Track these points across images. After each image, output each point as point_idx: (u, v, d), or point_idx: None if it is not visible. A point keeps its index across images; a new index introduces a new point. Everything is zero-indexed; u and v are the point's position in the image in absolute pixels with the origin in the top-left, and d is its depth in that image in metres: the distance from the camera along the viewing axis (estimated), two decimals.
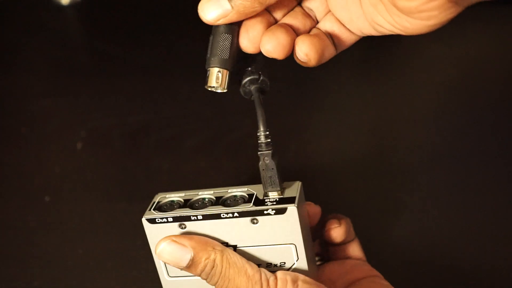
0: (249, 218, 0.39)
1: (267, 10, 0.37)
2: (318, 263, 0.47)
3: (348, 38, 0.38)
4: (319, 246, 0.47)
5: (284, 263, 0.40)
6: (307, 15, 0.39)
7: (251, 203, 0.39)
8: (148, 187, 0.67)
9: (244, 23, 0.37)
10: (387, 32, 0.36)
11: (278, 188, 0.39)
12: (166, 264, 0.41)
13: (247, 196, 0.40)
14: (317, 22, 0.39)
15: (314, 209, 0.44)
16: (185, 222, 0.40)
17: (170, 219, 0.40)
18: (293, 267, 0.40)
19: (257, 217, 0.38)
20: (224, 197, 0.40)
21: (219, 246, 0.39)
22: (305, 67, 0.38)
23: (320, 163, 0.68)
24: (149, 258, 0.57)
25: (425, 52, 0.89)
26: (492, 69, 0.84)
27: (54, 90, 0.91)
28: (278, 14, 0.38)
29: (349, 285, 0.44)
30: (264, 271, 0.38)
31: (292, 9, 0.39)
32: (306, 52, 0.36)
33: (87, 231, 0.62)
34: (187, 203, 0.41)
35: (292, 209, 0.38)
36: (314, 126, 0.76)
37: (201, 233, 0.40)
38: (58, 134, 0.80)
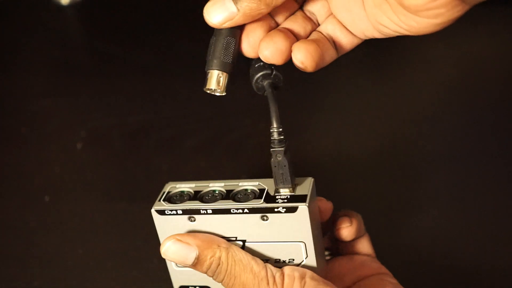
0: (259, 215, 0.38)
1: (269, 14, 0.37)
2: (327, 257, 0.47)
3: (350, 41, 0.38)
4: (328, 240, 0.47)
5: (293, 259, 0.40)
6: (308, 18, 0.38)
7: (262, 199, 0.39)
8: (148, 187, 0.67)
9: (244, 27, 0.37)
10: (391, 33, 0.36)
11: (290, 185, 0.38)
12: None
13: (258, 191, 0.40)
14: (318, 25, 0.39)
15: (326, 205, 0.43)
16: (194, 215, 0.40)
17: (179, 212, 0.40)
18: (302, 264, 0.40)
19: (267, 214, 0.38)
20: (234, 191, 0.40)
21: (225, 244, 0.39)
22: None
23: (320, 163, 0.68)
24: (149, 258, 0.57)
25: (425, 52, 0.89)
26: (492, 69, 0.84)
27: (54, 90, 0.91)
28: (279, 18, 0.38)
29: (357, 281, 0.44)
30: (270, 267, 0.38)
31: (293, 13, 0.38)
32: (302, 60, 0.36)
33: (87, 231, 0.62)
34: (197, 195, 0.41)
35: (303, 208, 0.37)
36: (314, 126, 0.76)
37: (210, 226, 0.40)
38: (58, 134, 0.80)
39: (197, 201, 0.40)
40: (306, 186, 0.39)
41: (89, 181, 0.70)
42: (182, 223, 0.40)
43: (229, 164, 0.71)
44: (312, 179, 0.40)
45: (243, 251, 0.39)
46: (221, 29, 0.36)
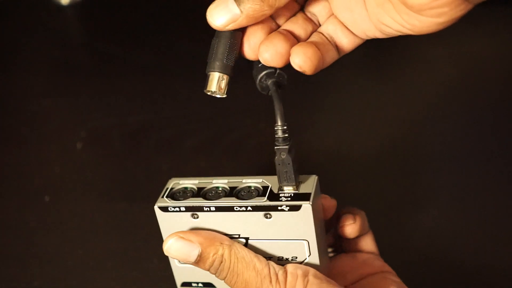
0: (262, 213, 0.38)
1: (270, 15, 0.37)
2: (330, 254, 0.47)
3: (351, 41, 0.38)
4: (331, 237, 0.47)
5: (296, 257, 0.40)
6: (309, 19, 0.38)
7: (265, 197, 0.38)
8: (148, 187, 0.67)
9: (246, 29, 0.37)
10: (393, 33, 0.35)
11: (294, 183, 0.38)
12: None
13: (261, 188, 0.39)
14: (319, 25, 0.39)
15: (330, 203, 0.43)
16: (197, 213, 0.39)
17: (182, 209, 0.40)
18: (305, 262, 0.40)
19: (270, 212, 0.38)
20: (238, 188, 0.40)
21: (227, 241, 0.39)
22: None
23: (319, 163, 0.68)
24: (149, 258, 0.57)
25: (425, 52, 0.89)
26: (492, 69, 0.84)
27: (54, 90, 0.91)
28: (280, 19, 0.38)
29: (360, 279, 0.44)
30: (272, 264, 0.38)
31: (294, 14, 0.38)
32: (300, 64, 0.36)
33: (87, 231, 0.62)
34: (200, 192, 0.40)
35: (306, 206, 0.37)
36: (314, 126, 0.76)
37: (213, 223, 0.40)
38: (58, 134, 0.80)
39: (200, 198, 0.40)
40: (310, 184, 0.39)
41: (89, 181, 0.70)
42: (185, 220, 0.40)
43: (229, 164, 0.71)
44: (316, 177, 0.40)
45: (246, 248, 0.39)
46: (223, 31, 0.36)
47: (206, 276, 0.42)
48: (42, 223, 0.64)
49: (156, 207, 0.40)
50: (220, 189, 0.40)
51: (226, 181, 0.41)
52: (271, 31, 0.37)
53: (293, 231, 0.39)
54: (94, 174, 0.71)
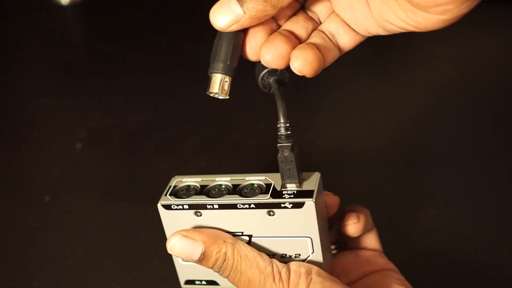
0: (265, 210, 0.38)
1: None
2: (333, 252, 0.47)
3: (352, 39, 0.38)
4: (335, 235, 0.47)
5: (299, 254, 0.40)
6: (310, 18, 0.38)
7: (268, 195, 0.38)
8: (148, 187, 0.67)
9: (248, 30, 0.36)
10: (396, 30, 0.35)
11: (297, 181, 0.38)
12: None
13: (264, 186, 0.39)
14: (320, 23, 0.39)
15: (333, 200, 0.43)
16: (200, 210, 0.40)
17: (186, 207, 0.40)
18: (308, 259, 0.40)
19: (273, 210, 0.38)
20: (241, 185, 0.40)
21: (231, 239, 0.39)
22: None
23: (319, 162, 0.68)
24: (149, 258, 0.57)
25: (425, 52, 0.89)
26: (492, 69, 0.84)
27: (54, 90, 0.91)
28: (281, 19, 0.38)
29: (363, 276, 0.44)
30: (276, 262, 0.38)
31: (295, 13, 0.38)
32: (300, 69, 0.35)
33: (87, 231, 0.62)
34: (203, 190, 0.40)
35: (309, 203, 0.37)
36: (314, 125, 0.76)
37: (216, 221, 0.40)
38: (58, 134, 0.80)
39: (204, 196, 0.40)
40: (313, 181, 0.39)
41: (89, 181, 0.70)
42: (188, 217, 0.40)
43: (229, 164, 0.71)
44: (319, 174, 0.40)
45: (249, 246, 0.39)
46: (226, 32, 0.36)
47: (210, 274, 0.42)
48: (42, 223, 0.64)
49: (159, 205, 0.40)
50: (223, 186, 0.41)
51: (229, 178, 0.41)
52: (272, 32, 0.37)
53: (296, 228, 0.39)
54: (94, 174, 0.71)
